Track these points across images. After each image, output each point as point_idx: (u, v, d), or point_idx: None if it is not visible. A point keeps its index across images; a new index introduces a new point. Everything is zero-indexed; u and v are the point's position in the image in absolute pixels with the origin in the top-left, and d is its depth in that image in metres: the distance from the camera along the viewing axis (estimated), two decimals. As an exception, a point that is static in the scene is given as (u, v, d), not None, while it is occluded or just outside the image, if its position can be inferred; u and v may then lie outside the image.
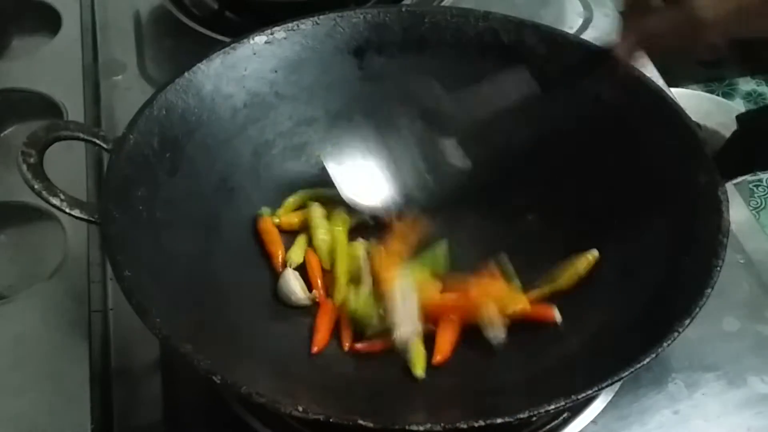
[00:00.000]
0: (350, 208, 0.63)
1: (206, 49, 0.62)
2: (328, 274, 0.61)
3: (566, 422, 0.56)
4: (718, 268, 0.49)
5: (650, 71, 0.75)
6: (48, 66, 0.83)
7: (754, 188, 1.54)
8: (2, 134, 0.81)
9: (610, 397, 0.57)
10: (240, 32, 0.63)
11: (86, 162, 0.72)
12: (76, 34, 0.86)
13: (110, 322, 0.63)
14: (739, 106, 1.59)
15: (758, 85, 1.71)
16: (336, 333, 0.58)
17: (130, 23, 0.90)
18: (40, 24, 0.89)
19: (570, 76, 0.59)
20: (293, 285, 0.59)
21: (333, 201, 0.63)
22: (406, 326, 0.55)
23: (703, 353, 0.60)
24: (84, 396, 0.56)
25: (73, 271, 0.64)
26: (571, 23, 0.90)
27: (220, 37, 0.83)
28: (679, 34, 0.47)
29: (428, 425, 0.42)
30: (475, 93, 0.58)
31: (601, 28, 0.89)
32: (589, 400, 0.56)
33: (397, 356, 0.56)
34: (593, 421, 0.56)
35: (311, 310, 0.59)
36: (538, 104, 0.63)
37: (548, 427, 0.55)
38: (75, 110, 0.77)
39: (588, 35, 0.87)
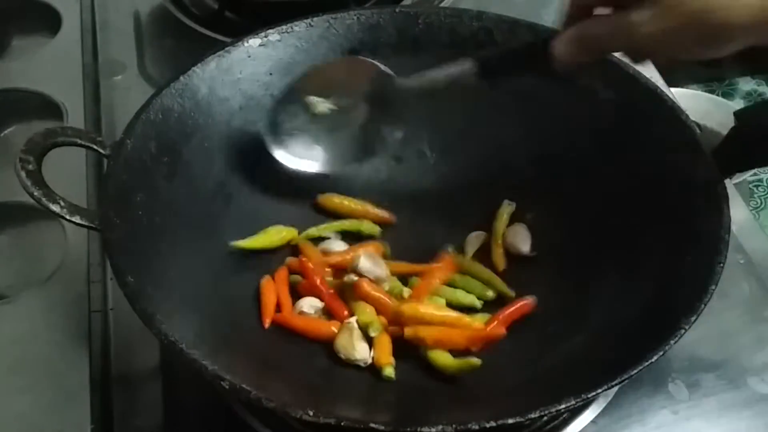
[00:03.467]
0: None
1: (206, 49, 0.62)
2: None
3: (566, 422, 0.56)
4: (721, 265, 0.49)
5: (650, 71, 0.75)
6: (48, 66, 0.83)
7: (754, 188, 1.54)
8: (2, 134, 0.81)
9: (610, 398, 0.57)
10: (240, 32, 0.63)
11: (86, 164, 0.72)
12: (76, 34, 0.86)
13: (110, 322, 0.63)
14: (739, 106, 1.58)
15: (758, 85, 1.71)
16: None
17: (130, 23, 0.90)
18: (40, 24, 0.89)
19: (508, 67, 0.57)
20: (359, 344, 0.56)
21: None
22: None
23: (703, 353, 0.60)
24: (84, 396, 0.56)
25: (73, 271, 0.64)
26: (571, 23, 0.90)
27: (220, 37, 0.82)
28: (615, 41, 0.47)
29: (440, 427, 0.42)
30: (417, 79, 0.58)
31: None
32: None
33: (398, 358, 0.56)
34: (593, 421, 0.56)
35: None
36: (534, 103, 0.63)
37: (548, 427, 0.55)
38: (75, 110, 0.77)
39: (588, 35, 0.87)
